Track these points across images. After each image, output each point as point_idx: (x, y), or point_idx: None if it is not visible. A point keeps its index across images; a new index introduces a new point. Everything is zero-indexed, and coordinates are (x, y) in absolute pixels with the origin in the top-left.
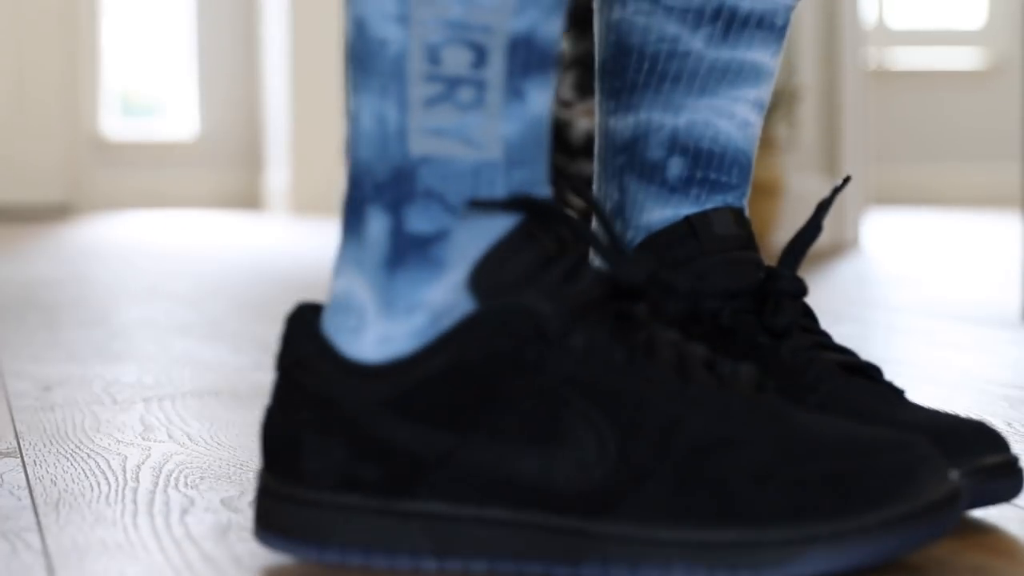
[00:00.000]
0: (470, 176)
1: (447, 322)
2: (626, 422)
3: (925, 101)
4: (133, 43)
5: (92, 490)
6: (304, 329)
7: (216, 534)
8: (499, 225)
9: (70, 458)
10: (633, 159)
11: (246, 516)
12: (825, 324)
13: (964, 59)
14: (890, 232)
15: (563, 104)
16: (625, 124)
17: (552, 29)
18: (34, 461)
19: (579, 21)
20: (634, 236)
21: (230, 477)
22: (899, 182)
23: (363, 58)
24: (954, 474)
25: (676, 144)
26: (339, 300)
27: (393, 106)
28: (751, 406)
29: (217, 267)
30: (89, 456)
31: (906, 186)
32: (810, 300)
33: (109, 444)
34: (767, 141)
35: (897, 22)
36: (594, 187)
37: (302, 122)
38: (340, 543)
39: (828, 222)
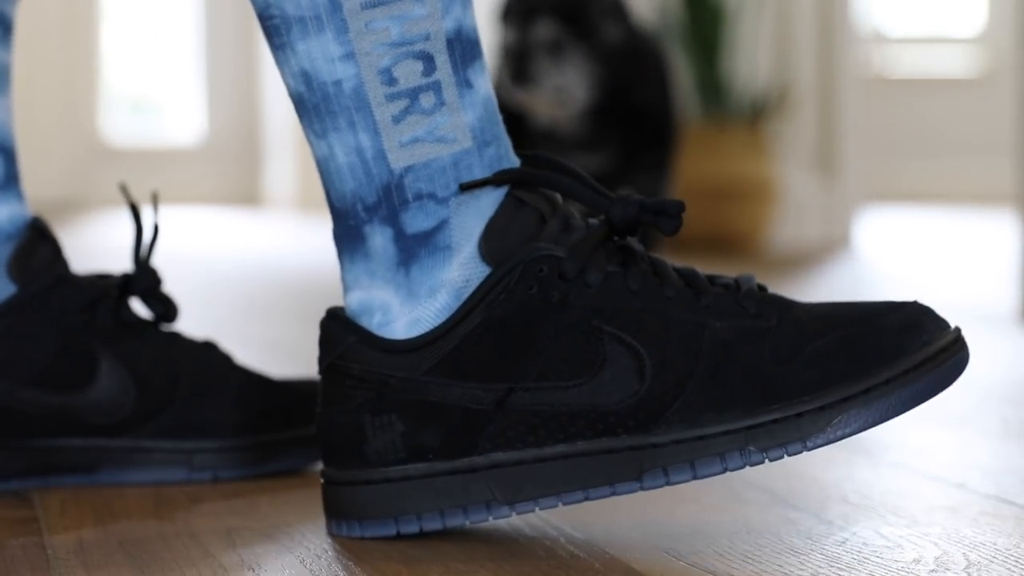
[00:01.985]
0: (451, 168)
1: (470, 291)
2: (656, 337)
3: (922, 105)
4: (136, 44)
5: (94, 489)
6: (341, 325)
7: (219, 533)
8: (490, 199)
9: None
10: None
11: (249, 515)
12: None
13: (961, 64)
14: (884, 230)
15: (503, 91)
16: None
17: (472, 19)
18: None
19: (523, 15)
20: None
21: (235, 480)
22: (893, 180)
23: (321, 104)
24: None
25: None
26: (359, 309)
27: (366, 134)
28: (761, 302)
29: (219, 266)
30: None
31: (900, 184)
32: (805, 299)
33: None
34: (762, 142)
35: (895, 27)
36: None
37: None
38: (415, 512)
39: (822, 221)
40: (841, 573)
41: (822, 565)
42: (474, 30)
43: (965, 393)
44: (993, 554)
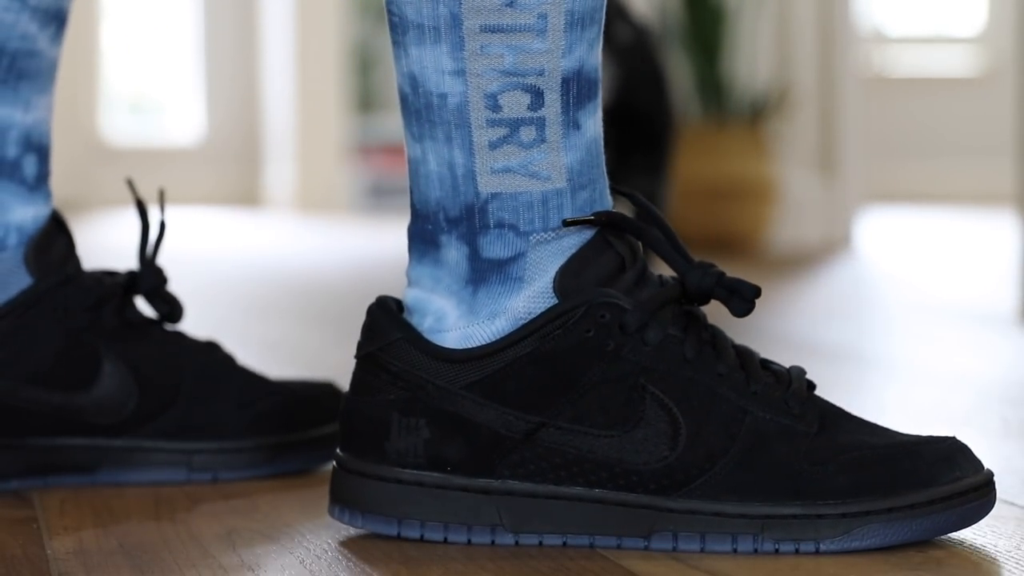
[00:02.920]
0: (539, 205)
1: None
2: (696, 409)
3: (922, 105)
4: (136, 44)
5: (94, 490)
6: (389, 317)
7: (219, 534)
8: (572, 240)
9: None
10: None
11: (249, 516)
12: (820, 323)
13: (961, 64)
14: (884, 230)
15: None
16: None
17: (595, 59)
18: None
19: None
20: (2, 234)
21: (235, 481)
22: (893, 180)
23: (423, 110)
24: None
25: (30, 142)
26: (413, 305)
27: (460, 152)
28: (805, 404)
29: (219, 266)
30: None
31: (900, 184)
32: (805, 299)
33: None
34: (762, 142)
35: (895, 27)
36: None
37: (304, 121)
38: (420, 519)
39: (822, 221)
40: (842, 574)
41: (822, 567)
42: (595, 70)
43: (965, 393)
44: (994, 555)
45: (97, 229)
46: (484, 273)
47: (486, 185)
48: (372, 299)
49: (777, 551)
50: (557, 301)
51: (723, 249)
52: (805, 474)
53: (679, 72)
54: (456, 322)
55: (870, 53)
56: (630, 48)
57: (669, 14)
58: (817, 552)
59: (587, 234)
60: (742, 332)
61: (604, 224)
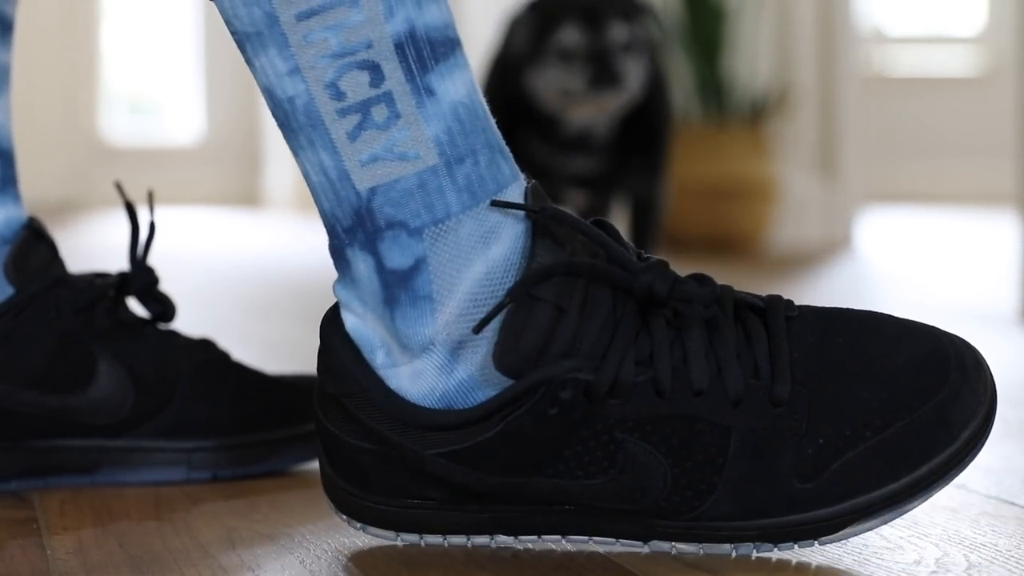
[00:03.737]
0: (418, 191)
1: (468, 353)
2: (679, 449)
3: (922, 105)
4: (136, 44)
5: (94, 490)
6: (352, 357)
7: (219, 534)
8: (468, 230)
9: None
10: None
11: (249, 516)
12: None
13: (961, 64)
14: (885, 231)
15: (566, 95)
16: None
17: (432, 17)
18: None
19: (589, 14)
20: None
21: (235, 481)
22: (893, 180)
23: (284, 121)
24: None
25: None
26: (358, 336)
27: (325, 153)
28: (791, 400)
29: (219, 267)
30: None
31: (900, 184)
32: (805, 299)
33: None
34: (762, 142)
35: (895, 27)
36: None
37: None
38: (418, 532)
39: (823, 221)
40: (842, 574)
41: (823, 566)
42: (438, 28)
43: None
44: (994, 555)
45: (97, 229)
46: (393, 290)
47: (361, 181)
48: None
49: (776, 550)
50: (495, 366)
51: (723, 249)
52: (800, 492)
53: (679, 72)
54: (401, 356)
55: (870, 53)
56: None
57: (669, 14)
58: (817, 545)
59: (479, 223)
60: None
61: (537, 218)
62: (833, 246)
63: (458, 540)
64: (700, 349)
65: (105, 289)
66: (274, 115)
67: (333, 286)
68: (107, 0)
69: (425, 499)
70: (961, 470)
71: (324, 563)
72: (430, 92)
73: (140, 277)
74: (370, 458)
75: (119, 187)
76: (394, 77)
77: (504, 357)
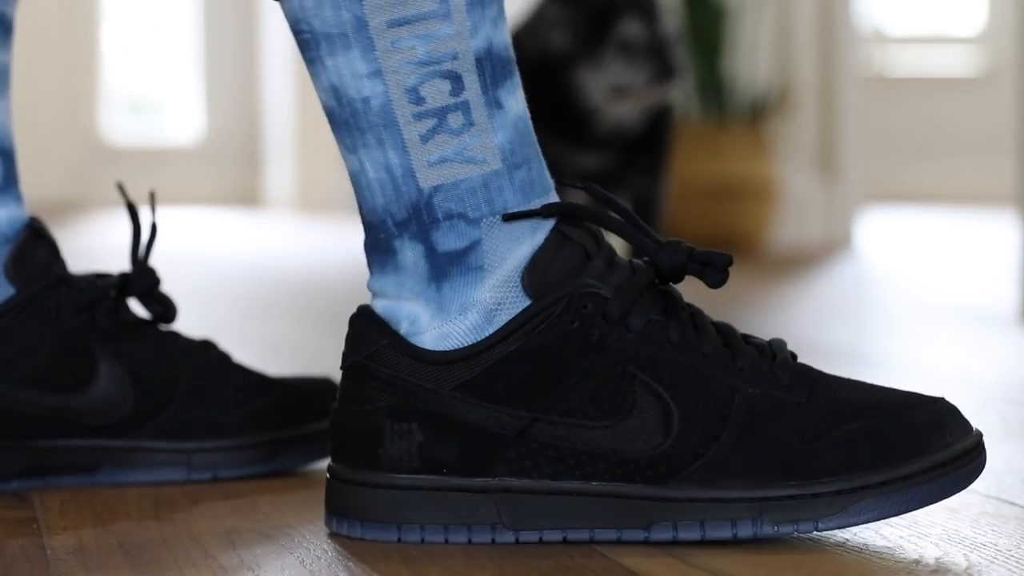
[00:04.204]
0: (482, 190)
1: (503, 316)
2: (686, 393)
3: (922, 105)
4: (136, 44)
5: (94, 490)
6: (373, 325)
7: (219, 534)
8: (525, 224)
9: None
10: None
11: (249, 516)
12: (820, 323)
13: (961, 64)
14: (885, 230)
15: (619, 90)
16: None
17: (502, 37)
18: None
19: (643, 8)
20: None
21: (235, 481)
22: (893, 180)
23: (350, 120)
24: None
25: None
26: (385, 315)
27: (394, 152)
28: (793, 373)
29: (219, 267)
30: None
31: (900, 184)
32: (805, 299)
33: None
34: (762, 142)
35: (895, 27)
36: None
37: (304, 121)
38: (420, 523)
39: (823, 221)
40: (842, 574)
41: (823, 566)
42: (506, 48)
43: (965, 393)
44: (994, 555)
45: (97, 229)
46: (444, 267)
47: (426, 179)
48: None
49: (776, 532)
50: (522, 287)
51: (723, 249)
52: (798, 453)
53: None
54: (430, 322)
55: (870, 53)
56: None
57: (669, 14)
58: (816, 531)
59: (539, 222)
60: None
61: (556, 215)
62: (833, 246)
63: (459, 538)
64: (709, 320)
65: (106, 289)
66: (334, 112)
67: (368, 284)
68: (107, 0)
69: (435, 467)
70: (950, 487)
71: (324, 563)
72: (499, 105)
73: (141, 278)
74: (388, 418)
75: (121, 188)
76: (473, 88)
77: (532, 275)
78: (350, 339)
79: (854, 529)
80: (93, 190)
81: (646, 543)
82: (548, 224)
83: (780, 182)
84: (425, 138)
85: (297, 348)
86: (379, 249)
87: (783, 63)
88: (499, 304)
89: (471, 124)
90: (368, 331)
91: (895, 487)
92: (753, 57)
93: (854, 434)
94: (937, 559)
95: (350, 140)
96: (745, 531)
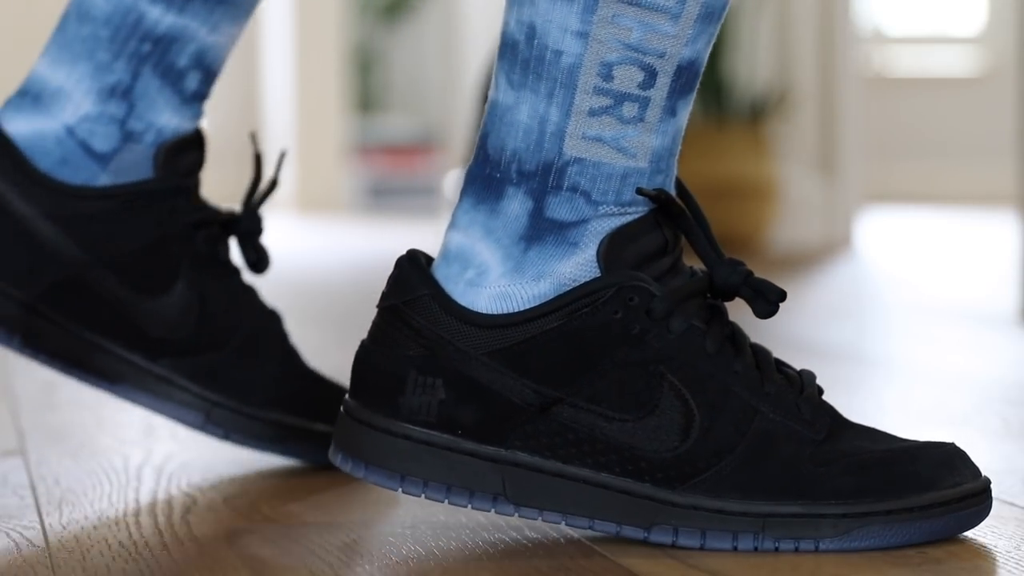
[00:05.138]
0: (618, 179)
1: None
2: (711, 403)
3: (922, 105)
4: None
5: (95, 489)
6: (418, 272)
7: (218, 533)
8: (631, 216)
9: (73, 457)
10: (162, 56)
11: (248, 515)
12: (820, 323)
13: (961, 64)
14: (884, 230)
15: None
16: (166, 20)
17: (705, 55)
18: (37, 460)
19: None
20: (143, 128)
21: (232, 476)
22: (893, 180)
23: (532, 61)
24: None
25: (201, 61)
26: (456, 252)
27: (557, 110)
28: (816, 410)
29: None
30: (92, 456)
31: (900, 184)
32: (805, 299)
33: (112, 444)
34: (762, 142)
35: (895, 27)
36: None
37: (304, 121)
38: (424, 478)
39: (823, 221)
40: (842, 574)
41: (823, 567)
42: (703, 65)
43: (965, 393)
44: (994, 555)
45: None
46: (542, 232)
47: (573, 148)
48: (373, 299)
49: (777, 549)
50: (597, 261)
51: (723, 249)
52: (808, 474)
53: None
54: (498, 279)
55: (870, 53)
56: None
57: None
58: (816, 551)
59: (643, 212)
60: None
61: (662, 204)
62: (833, 246)
63: (459, 502)
64: (747, 340)
65: (215, 217)
66: (517, 46)
67: (454, 211)
68: None
69: (450, 426)
70: (954, 526)
71: (325, 563)
72: (672, 113)
73: (248, 221)
74: (414, 368)
75: (253, 137)
76: (661, 90)
77: (611, 248)
78: (392, 281)
79: None
80: None
81: (644, 544)
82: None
83: (780, 182)
84: (593, 112)
85: (297, 348)
86: (486, 185)
87: (783, 63)
88: (573, 280)
89: (641, 120)
90: (412, 278)
91: (899, 517)
92: (753, 57)
93: (866, 462)
94: (937, 559)
95: (519, 78)
96: (746, 544)
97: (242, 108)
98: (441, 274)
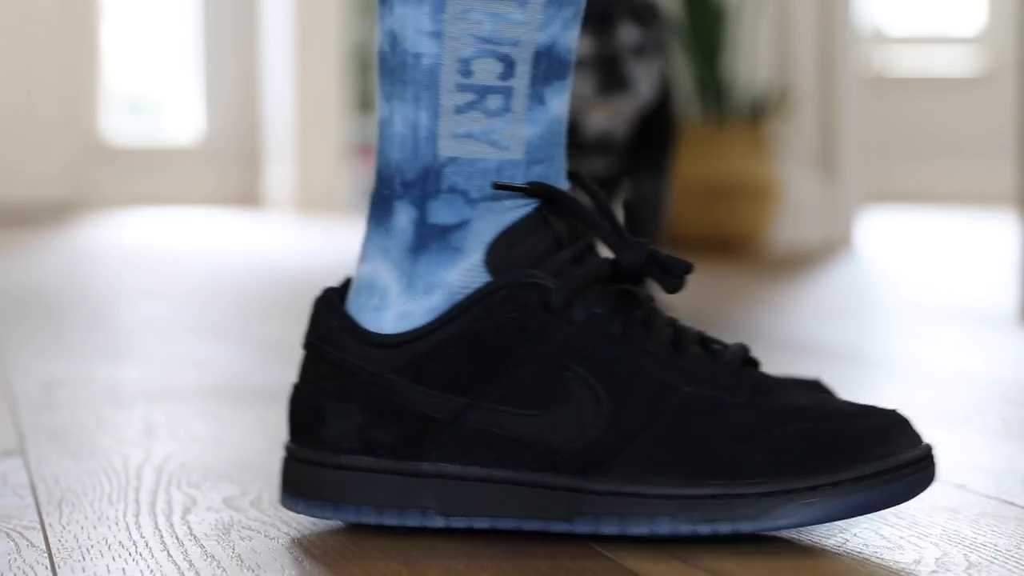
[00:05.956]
0: (493, 173)
1: (461, 298)
2: (621, 386)
3: (922, 105)
4: (135, 44)
5: (94, 489)
6: (330, 308)
7: (218, 533)
8: (515, 213)
9: (73, 457)
10: None
11: (248, 515)
12: (820, 323)
13: (961, 64)
14: (884, 230)
15: (579, 99)
16: None
17: (569, 39)
18: (37, 460)
19: (598, 20)
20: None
21: (232, 476)
22: (893, 180)
23: (397, 69)
24: (926, 440)
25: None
26: (364, 282)
27: (425, 113)
28: (736, 376)
29: (219, 267)
30: (91, 456)
31: (900, 184)
32: (805, 299)
33: (111, 443)
34: (762, 142)
35: (895, 27)
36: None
37: (304, 121)
38: (355, 502)
39: (822, 221)
40: (842, 574)
41: (823, 567)
42: (568, 51)
43: (965, 393)
44: (994, 555)
45: (97, 229)
46: (426, 240)
47: (446, 149)
48: None
49: (695, 531)
50: (489, 276)
51: (723, 249)
52: (724, 453)
53: (679, 72)
54: (396, 299)
55: (870, 53)
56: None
57: (670, 14)
58: (736, 532)
59: (528, 210)
60: (743, 334)
61: (540, 197)
62: (833, 246)
63: (391, 521)
64: (666, 321)
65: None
66: (385, 57)
67: (361, 242)
68: (107, 0)
69: (371, 449)
70: (886, 499)
71: (324, 563)
72: (541, 100)
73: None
74: (330, 399)
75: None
76: (522, 78)
77: (496, 253)
78: (310, 321)
79: (854, 529)
80: (93, 190)
81: (644, 544)
82: (530, 210)
83: (780, 182)
84: (459, 110)
85: (297, 348)
86: (381, 205)
87: (783, 63)
88: (463, 288)
89: (507, 111)
90: (324, 313)
91: (823, 493)
92: (753, 57)
93: (786, 437)
94: (937, 559)
95: (390, 88)
96: (663, 528)
97: (242, 108)
98: (353, 306)
